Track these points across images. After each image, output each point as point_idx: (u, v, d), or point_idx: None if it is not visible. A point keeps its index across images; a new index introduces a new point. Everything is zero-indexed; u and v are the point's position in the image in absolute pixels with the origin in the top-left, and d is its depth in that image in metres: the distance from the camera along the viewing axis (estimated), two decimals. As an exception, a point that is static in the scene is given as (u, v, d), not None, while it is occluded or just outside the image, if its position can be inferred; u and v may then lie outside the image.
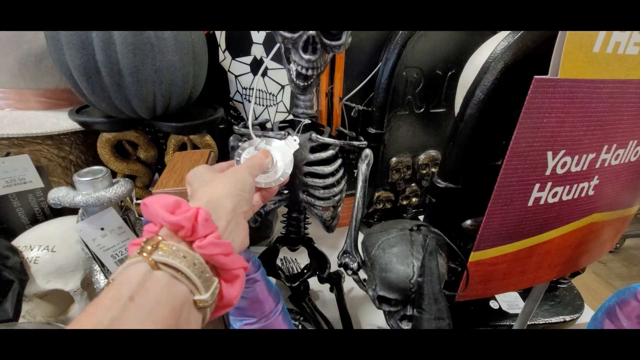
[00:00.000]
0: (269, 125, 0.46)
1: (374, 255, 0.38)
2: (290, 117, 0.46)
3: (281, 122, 0.45)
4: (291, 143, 0.38)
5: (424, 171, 0.79)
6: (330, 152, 0.43)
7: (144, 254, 0.20)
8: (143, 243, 0.21)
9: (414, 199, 0.82)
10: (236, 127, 0.44)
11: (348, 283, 0.65)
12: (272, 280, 0.69)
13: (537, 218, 0.37)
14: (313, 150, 0.43)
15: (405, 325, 0.36)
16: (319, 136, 0.42)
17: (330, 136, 0.44)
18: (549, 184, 0.35)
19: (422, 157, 0.77)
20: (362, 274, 0.46)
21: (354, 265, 0.42)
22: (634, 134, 0.37)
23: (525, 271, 0.42)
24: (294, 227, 0.54)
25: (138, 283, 0.19)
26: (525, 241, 0.38)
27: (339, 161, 0.45)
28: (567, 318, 0.58)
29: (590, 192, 0.39)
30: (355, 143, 0.45)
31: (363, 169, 0.45)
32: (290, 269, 0.67)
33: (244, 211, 0.27)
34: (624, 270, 1.89)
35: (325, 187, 0.43)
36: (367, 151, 0.46)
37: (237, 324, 0.36)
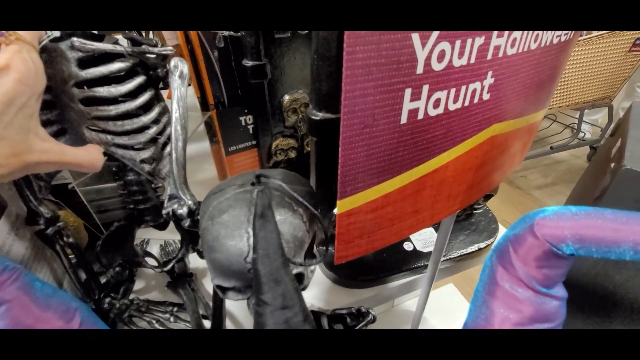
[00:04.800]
0: None
1: (203, 229, 0.27)
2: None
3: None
4: None
5: (327, 108, 0.67)
6: (117, 66, 0.29)
7: None
8: None
9: (321, 142, 0.71)
10: None
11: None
12: (149, 272, 0.56)
13: (419, 140, 0.27)
14: (84, 63, 0.28)
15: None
16: (84, 40, 0.27)
17: (115, 43, 0.29)
18: (426, 87, 0.24)
19: (320, 90, 0.65)
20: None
21: (183, 211, 0.31)
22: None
23: (419, 210, 0.33)
24: (138, 194, 0.41)
25: None
26: (410, 173, 0.29)
27: (139, 79, 0.31)
28: (482, 245, 0.54)
29: (485, 96, 0.29)
30: (155, 49, 0.31)
31: (175, 84, 0.32)
32: (171, 253, 0.54)
33: None
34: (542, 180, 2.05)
35: (120, 117, 0.30)
36: (176, 60, 0.33)
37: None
